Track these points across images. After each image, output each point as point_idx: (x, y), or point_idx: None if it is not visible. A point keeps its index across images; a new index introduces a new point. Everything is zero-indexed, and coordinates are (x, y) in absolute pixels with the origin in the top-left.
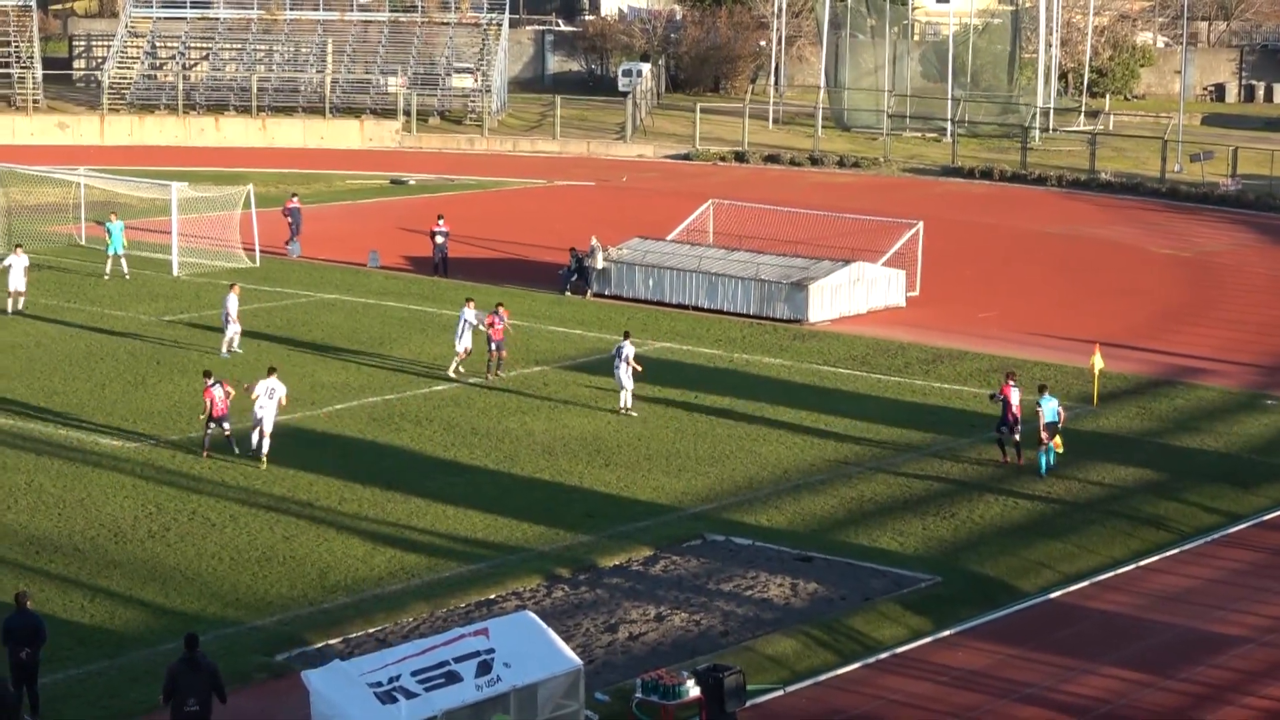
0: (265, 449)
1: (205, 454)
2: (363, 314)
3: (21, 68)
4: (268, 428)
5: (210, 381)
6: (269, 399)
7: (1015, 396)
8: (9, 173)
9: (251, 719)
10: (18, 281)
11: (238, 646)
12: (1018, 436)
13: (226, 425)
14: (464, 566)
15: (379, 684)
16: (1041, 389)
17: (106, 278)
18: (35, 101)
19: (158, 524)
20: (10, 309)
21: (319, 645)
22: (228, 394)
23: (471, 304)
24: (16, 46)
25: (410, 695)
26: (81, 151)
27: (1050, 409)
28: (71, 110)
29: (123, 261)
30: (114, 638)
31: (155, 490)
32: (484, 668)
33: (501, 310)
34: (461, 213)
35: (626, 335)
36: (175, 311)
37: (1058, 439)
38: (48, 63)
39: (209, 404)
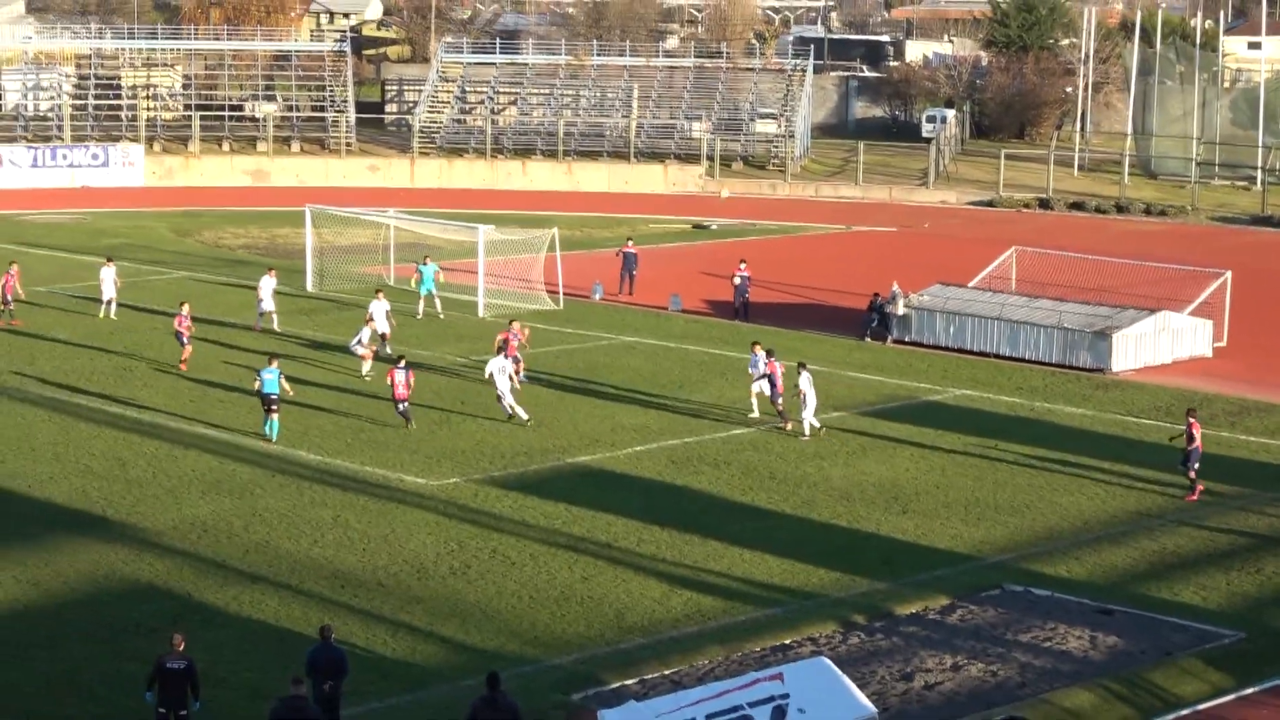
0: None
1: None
2: (663, 357)
3: (336, 111)
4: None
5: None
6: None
7: None
8: (321, 213)
9: None
10: (109, 290)
11: (535, 685)
12: None
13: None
14: (760, 611)
15: None
16: None
17: (419, 317)
18: (348, 144)
19: (459, 561)
20: (102, 314)
21: (615, 685)
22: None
23: (757, 346)
24: (331, 91)
25: None
26: (391, 194)
27: None
28: (382, 153)
29: (436, 301)
30: (415, 672)
31: (457, 528)
32: (779, 713)
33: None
34: (763, 257)
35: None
36: (480, 352)
37: None
38: (361, 106)
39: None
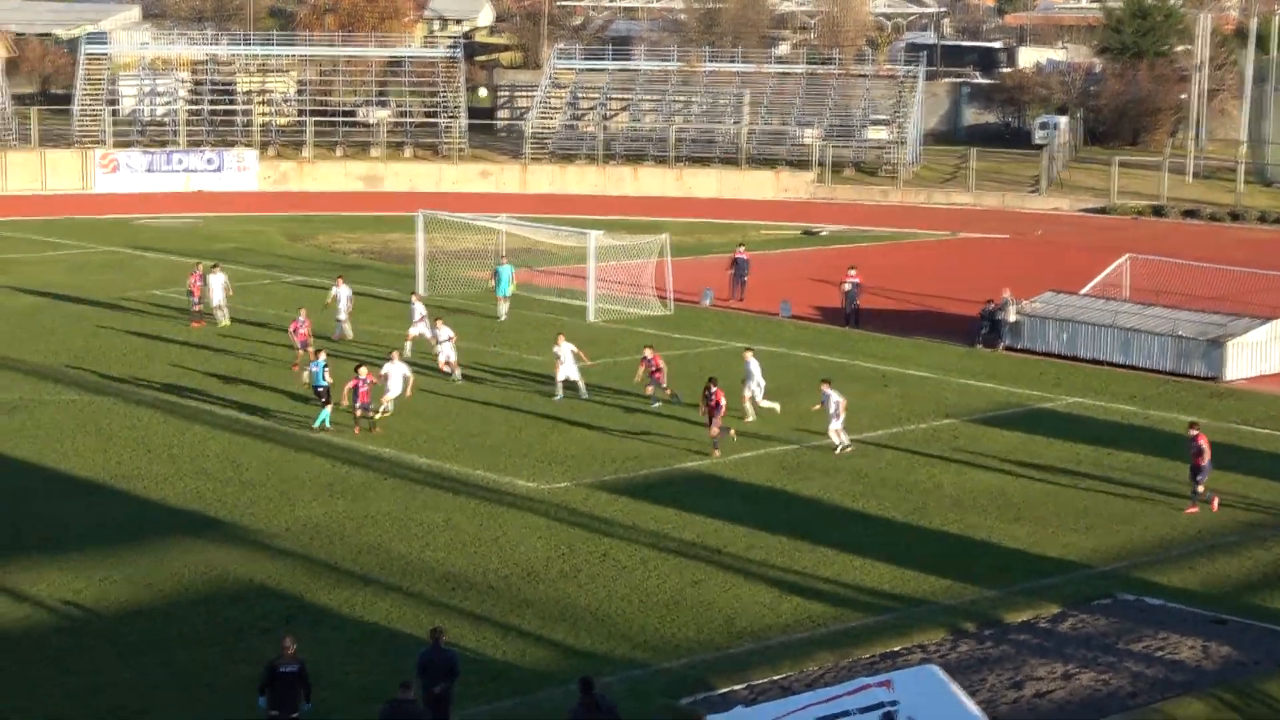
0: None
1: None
2: (772, 363)
3: (448, 117)
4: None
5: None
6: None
7: None
8: (433, 219)
9: None
10: (218, 296)
11: (644, 689)
12: None
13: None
14: (869, 617)
15: None
16: None
17: (503, 318)
18: (460, 150)
19: (569, 565)
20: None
21: (723, 690)
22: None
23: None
24: (444, 96)
25: None
26: (503, 199)
27: None
28: (494, 159)
29: (504, 305)
30: (524, 675)
31: (568, 532)
32: (887, 719)
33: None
34: (873, 263)
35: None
36: (591, 357)
37: None
38: (473, 112)
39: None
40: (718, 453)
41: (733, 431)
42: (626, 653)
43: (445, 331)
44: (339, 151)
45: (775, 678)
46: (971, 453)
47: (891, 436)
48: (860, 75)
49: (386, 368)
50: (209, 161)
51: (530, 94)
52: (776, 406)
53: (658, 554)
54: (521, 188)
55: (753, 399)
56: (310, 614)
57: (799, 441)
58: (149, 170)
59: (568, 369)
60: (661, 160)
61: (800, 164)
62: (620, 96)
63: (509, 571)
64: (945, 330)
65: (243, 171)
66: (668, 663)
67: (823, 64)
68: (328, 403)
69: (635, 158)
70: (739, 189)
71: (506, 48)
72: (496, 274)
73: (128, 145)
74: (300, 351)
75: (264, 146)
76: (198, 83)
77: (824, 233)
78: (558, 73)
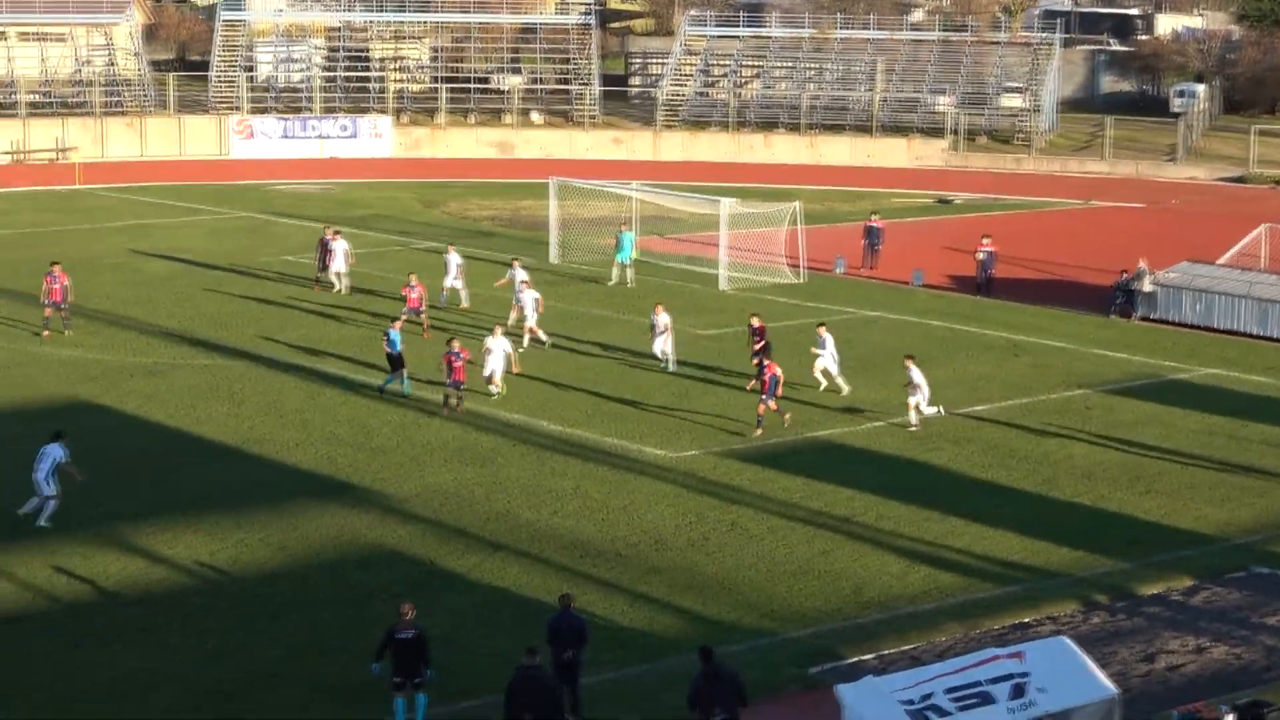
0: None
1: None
2: (904, 332)
3: (580, 84)
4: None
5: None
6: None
7: None
8: (565, 186)
9: None
10: (340, 263)
11: (771, 658)
12: None
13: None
14: (999, 588)
15: (911, 701)
16: None
17: (612, 283)
18: (592, 117)
19: (698, 533)
20: (343, 289)
21: (852, 660)
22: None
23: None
24: (576, 64)
25: (943, 714)
26: (635, 166)
27: None
28: (626, 126)
29: (629, 271)
30: (653, 642)
31: (697, 500)
32: (1018, 690)
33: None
34: (1007, 232)
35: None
36: (720, 325)
37: None
38: (605, 79)
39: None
40: (759, 431)
41: (788, 416)
42: (754, 622)
43: (531, 295)
44: (471, 118)
45: (904, 648)
46: (1104, 423)
47: (1023, 407)
48: (995, 42)
49: (489, 342)
50: (343, 128)
51: (662, 61)
52: (845, 388)
53: (786, 523)
54: (653, 155)
55: (825, 371)
56: (441, 579)
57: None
58: (284, 137)
59: (660, 341)
60: (793, 127)
61: (933, 131)
62: (752, 63)
63: (638, 539)
64: (1079, 300)
65: (376, 138)
66: (795, 632)
67: (957, 31)
68: (404, 368)
69: (767, 125)
70: (871, 157)
71: (639, 14)
72: (619, 240)
73: (263, 111)
74: (419, 317)
75: (397, 113)
76: (332, 49)
77: (957, 201)
78: (690, 40)
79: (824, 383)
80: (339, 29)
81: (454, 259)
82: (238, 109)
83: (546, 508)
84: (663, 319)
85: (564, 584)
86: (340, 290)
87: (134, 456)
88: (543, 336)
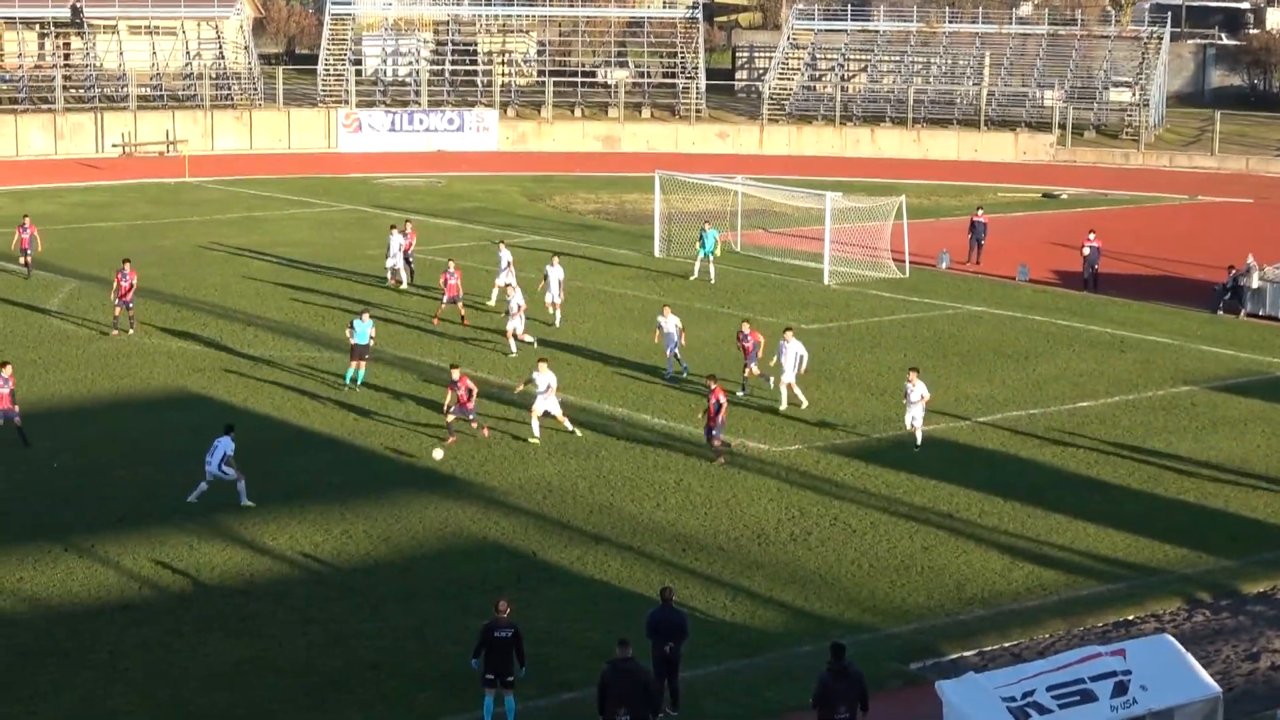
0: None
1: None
2: (1009, 327)
3: (686, 78)
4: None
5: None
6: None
7: None
8: (670, 180)
9: None
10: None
11: (873, 653)
12: None
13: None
14: (1102, 586)
15: (1013, 699)
16: None
17: (694, 277)
18: (698, 111)
19: (800, 528)
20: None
21: (953, 656)
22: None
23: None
24: (683, 57)
25: (1044, 711)
26: (740, 160)
27: None
28: (731, 120)
29: (711, 267)
30: (753, 637)
31: (799, 494)
32: (1120, 689)
33: None
34: (1114, 227)
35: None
36: (825, 320)
37: None
38: (711, 73)
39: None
40: (722, 460)
41: (722, 459)
42: (856, 616)
43: (517, 300)
44: (577, 112)
45: (1006, 644)
46: (1210, 420)
47: (1129, 403)
48: (1103, 36)
49: (535, 377)
50: (450, 122)
51: (769, 55)
52: (804, 402)
53: (888, 518)
54: (758, 149)
55: (789, 385)
56: (543, 571)
57: (1033, 406)
58: (391, 130)
59: (669, 343)
60: (900, 122)
61: (1040, 126)
62: (859, 57)
63: (739, 533)
64: (1185, 296)
65: (483, 132)
66: (897, 628)
67: (1065, 24)
68: (365, 361)
69: (873, 119)
70: (978, 151)
71: (745, 8)
72: (701, 236)
73: (370, 105)
74: (443, 305)
75: (504, 107)
76: (439, 43)
77: (1064, 196)
78: (796, 33)
79: (785, 399)
80: (446, 22)
81: (505, 255)
82: (345, 102)
83: (649, 501)
84: (671, 321)
85: (665, 577)
86: (401, 285)
87: (240, 447)
88: (529, 339)
